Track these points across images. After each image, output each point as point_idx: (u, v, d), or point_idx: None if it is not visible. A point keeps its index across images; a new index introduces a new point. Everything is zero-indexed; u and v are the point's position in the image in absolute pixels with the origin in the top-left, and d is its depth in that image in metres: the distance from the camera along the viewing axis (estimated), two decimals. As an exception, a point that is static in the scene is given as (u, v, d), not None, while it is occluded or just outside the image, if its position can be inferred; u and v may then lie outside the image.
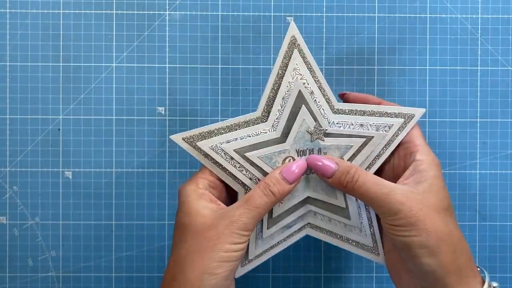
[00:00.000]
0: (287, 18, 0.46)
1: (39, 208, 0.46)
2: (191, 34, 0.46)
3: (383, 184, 0.34)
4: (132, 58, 0.46)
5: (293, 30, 0.36)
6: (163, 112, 0.46)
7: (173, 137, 0.36)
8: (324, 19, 0.46)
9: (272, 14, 0.46)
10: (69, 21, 0.46)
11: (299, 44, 0.36)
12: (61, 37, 0.46)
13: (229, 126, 0.36)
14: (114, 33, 0.46)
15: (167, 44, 0.46)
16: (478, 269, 0.36)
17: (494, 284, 0.35)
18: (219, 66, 0.46)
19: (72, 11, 0.46)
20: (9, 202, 0.46)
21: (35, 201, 0.46)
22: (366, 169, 0.39)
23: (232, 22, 0.46)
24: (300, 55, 0.36)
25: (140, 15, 0.46)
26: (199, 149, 0.36)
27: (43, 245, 0.46)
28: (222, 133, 0.36)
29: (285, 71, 0.36)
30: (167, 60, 0.46)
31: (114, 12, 0.46)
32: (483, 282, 0.34)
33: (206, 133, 0.36)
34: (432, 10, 0.46)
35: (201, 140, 0.36)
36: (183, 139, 0.36)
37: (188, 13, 0.46)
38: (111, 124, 0.46)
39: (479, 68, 0.46)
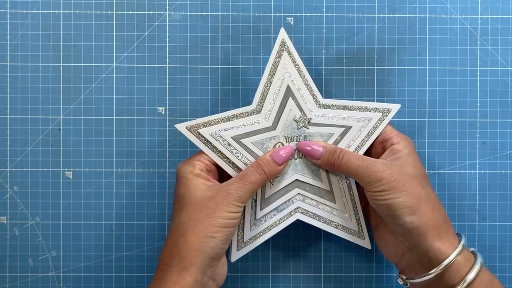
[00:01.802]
0: (287, 18, 0.46)
1: (40, 208, 0.46)
2: (191, 34, 0.46)
3: (365, 158, 0.40)
4: (133, 58, 0.46)
5: (283, 34, 0.41)
6: (163, 112, 0.46)
7: (177, 126, 0.40)
8: (324, 19, 0.46)
9: (272, 14, 0.46)
10: (70, 22, 0.46)
11: (288, 47, 0.41)
12: (62, 38, 0.46)
13: (227, 116, 0.41)
14: (114, 33, 0.46)
15: (167, 44, 0.46)
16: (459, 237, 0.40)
17: (472, 248, 0.40)
18: (219, 66, 0.46)
19: (72, 12, 0.46)
20: (10, 202, 0.46)
21: (36, 201, 0.46)
22: None
23: (232, 22, 0.46)
24: (289, 56, 0.42)
25: (140, 15, 0.46)
26: (200, 136, 0.40)
27: (44, 245, 0.46)
28: (221, 123, 0.41)
29: (276, 69, 0.41)
30: (167, 60, 0.46)
31: (114, 12, 0.46)
32: (460, 242, 0.39)
33: (207, 122, 0.40)
34: (431, 10, 0.47)
35: (202, 128, 0.40)
36: (187, 127, 0.40)
37: (188, 13, 0.46)
38: (111, 124, 0.46)
39: (478, 68, 0.47)
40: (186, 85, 0.46)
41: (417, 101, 0.47)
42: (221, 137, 0.40)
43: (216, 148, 0.40)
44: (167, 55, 0.46)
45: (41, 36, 0.46)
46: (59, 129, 0.46)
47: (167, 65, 0.46)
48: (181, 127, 0.40)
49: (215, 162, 0.41)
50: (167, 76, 0.46)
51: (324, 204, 0.42)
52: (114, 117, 0.46)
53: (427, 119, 0.47)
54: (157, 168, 0.46)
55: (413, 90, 0.47)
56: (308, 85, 0.42)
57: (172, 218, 0.39)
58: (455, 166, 0.47)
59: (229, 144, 0.40)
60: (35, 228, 0.46)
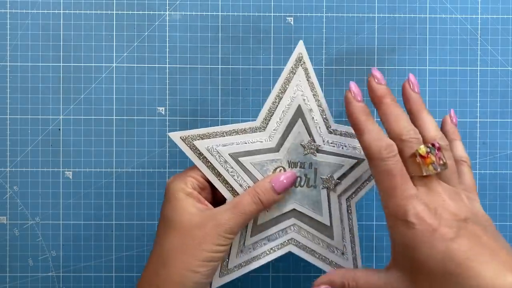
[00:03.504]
0: (287, 18, 0.46)
1: (40, 208, 0.46)
2: (191, 34, 0.46)
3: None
4: (132, 58, 0.46)
5: (301, 48, 0.38)
6: (163, 112, 0.46)
7: (171, 134, 0.37)
8: (324, 19, 0.46)
9: (272, 14, 0.46)
10: (70, 22, 0.46)
11: (304, 62, 0.38)
12: (61, 37, 0.46)
13: (227, 131, 0.37)
14: (114, 33, 0.46)
15: (167, 44, 0.46)
16: None
17: None
18: (219, 66, 0.46)
19: (72, 11, 0.46)
20: (10, 202, 0.46)
21: (36, 201, 0.46)
22: (354, 192, 0.39)
23: (232, 22, 0.46)
24: (305, 73, 0.38)
25: (140, 15, 0.46)
26: (195, 149, 0.37)
27: (44, 245, 0.46)
28: (220, 137, 0.37)
29: (288, 85, 0.38)
30: (167, 60, 0.46)
31: (114, 12, 0.46)
32: None
33: (204, 134, 0.37)
34: (432, 10, 0.46)
35: (198, 140, 0.37)
36: (181, 137, 0.37)
37: (188, 13, 0.46)
38: (111, 124, 0.46)
39: (478, 68, 0.47)
40: (186, 85, 0.46)
41: (417, 101, 0.47)
42: (218, 152, 0.37)
43: (211, 164, 0.37)
44: (167, 55, 0.46)
45: (41, 36, 0.46)
46: (59, 129, 0.46)
47: (167, 65, 0.46)
48: (174, 136, 0.37)
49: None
50: (167, 76, 0.46)
51: (320, 239, 0.39)
52: (114, 117, 0.46)
53: (427, 119, 0.47)
54: (157, 168, 0.46)
55: (413, 90, 0.47)
56: (321, 107, 0.38)
57: (156, 240, 0.36)
58: (455, 166, 0.47)
59: (226, 162, 0.37)
60: (35, 228, 0.46)
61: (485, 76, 0.47)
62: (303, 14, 0.46)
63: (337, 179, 0.38)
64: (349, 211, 0.39)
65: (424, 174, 0.32)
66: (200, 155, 0.37)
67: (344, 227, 0.39)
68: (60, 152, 0.46)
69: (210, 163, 0.37)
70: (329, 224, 0.39)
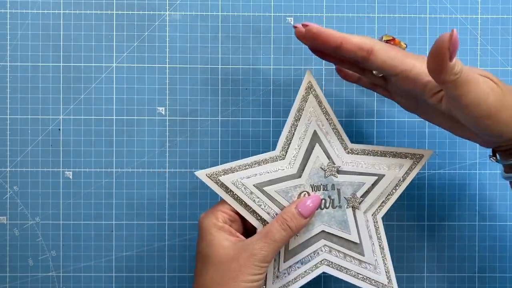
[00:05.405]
0: (287, 18, 0.46)
1: (40, 208, 0.46)
2: (191, 34, 0.46)
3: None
4: (132, 58, 0.46)
5: (309, 77, 0.39)
6: (163, 112, 0.46)
7: (197, 173, 0.38)
8: (324, 19, 0.46)
9: (272, 14, 0.46)
10: (70, 22, 0.46)
11: (314, 90, 0.39)
12: (62, 37, 0.46)
13: (249, 163, 0.39)
14: (114, 33, 0.46)
15: (167, 44, 0.46)
16: None
17: None
18: (219, 66, 0.46)
19: (72, 11, 0.46)
20: (10, 202, 0.46)
21: (36, 201, 0.46)
22: (379, 207, 0.41)
23: (232, 22, 0.46)
24: (316, 100, 0.39)
25: (140, 15, 0.46)
26: (221, 184, 0.38)
27: (44, 245, 0.46)
28: (243, 169, 0.39)
29: (302, 113, 0.39)
30: (167, 60, 0.46)
31: (114, 12, 0.46)
32: None
33: (228, 169, 0.38)
34: (432, 10, 0.46)
35: (223, 175, 0.38)
36: (207, 175, 0.38)
37: (188, 13, 0.46)
38: (111, 124, 0.46)
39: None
40: (186, 85, 0.46)
41: (417, 101, 0.47)
42: (243, 184, 0.38)
43: (238, 197, 0.38)
44: (167, 55, 0.46)
45: (41, 36, 0.46)
46: (59, 129, 0.46)
47: (167, 65, 0.46)
48: (201, 174, 0.38)
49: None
50: (167, 76, 0.46)
51: (352, 256, 0.40)
52: (114, 117, 0.46)
53: (427, 119, 0.47)
54: (157, 168, 0.46)
55: (413, 90, 0.46)
56: (336, 129, 0.40)
57: (195, 278, 0.38)
58: (455, 166, 0.47)
59: (251, 192, 0.38)
60: (35, 228, 0.46)
61: (485, 76, 0.47)
62: (303, 14, 0.46)
63: (360, 197, 0.40)
64: (376, 226, 0.41)
65: None
66: (227, 189, 0.38)
67: (373, 243, 0.41)
68: (60, 152, 0.46)
69: (237, 195, 0.38)
70: (358, 242, 0.40)
